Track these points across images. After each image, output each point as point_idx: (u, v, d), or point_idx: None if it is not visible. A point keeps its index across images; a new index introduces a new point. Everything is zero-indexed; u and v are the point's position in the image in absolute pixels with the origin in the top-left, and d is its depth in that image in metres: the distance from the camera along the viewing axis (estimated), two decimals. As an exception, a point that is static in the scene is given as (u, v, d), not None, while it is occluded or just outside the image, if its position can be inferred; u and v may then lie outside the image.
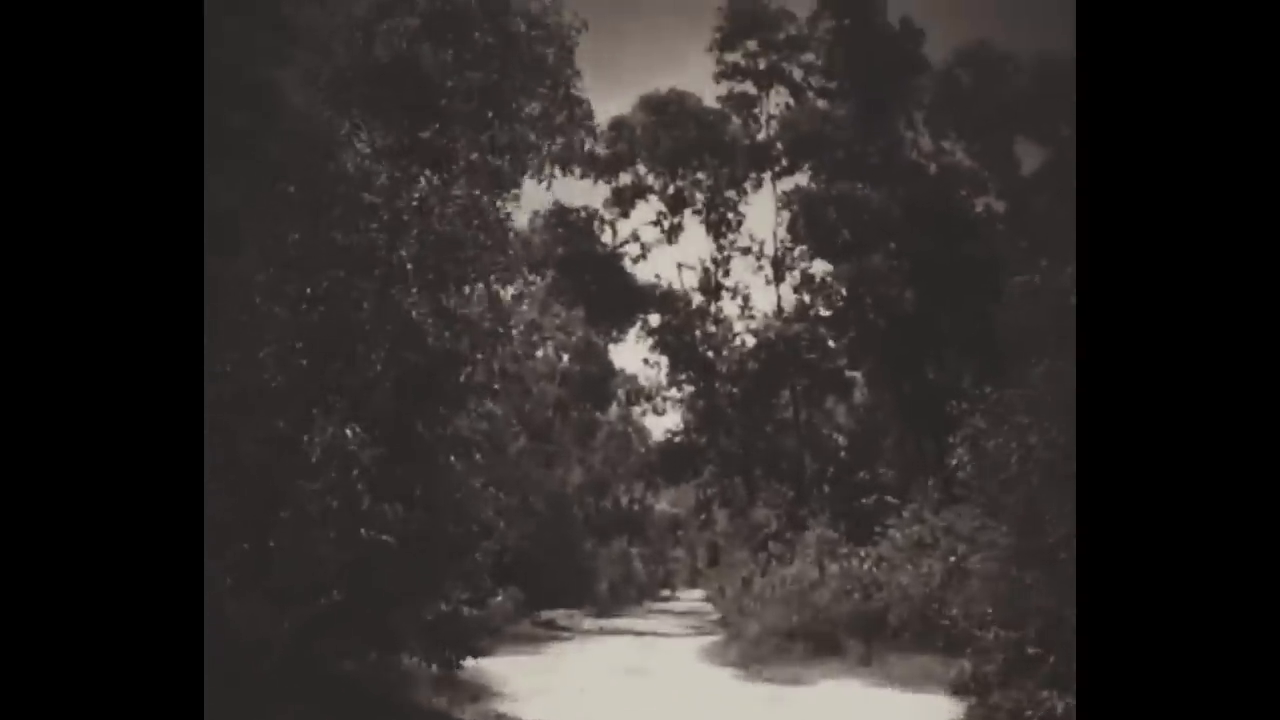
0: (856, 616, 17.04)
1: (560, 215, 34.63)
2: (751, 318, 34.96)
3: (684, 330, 35.52)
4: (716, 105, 35.20)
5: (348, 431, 9.16)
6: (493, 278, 11.44)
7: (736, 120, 35.33)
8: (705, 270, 35.79)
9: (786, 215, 33.81)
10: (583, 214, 35.50)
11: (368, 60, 10.23)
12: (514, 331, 13.02)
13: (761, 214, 78.04)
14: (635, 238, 36.03)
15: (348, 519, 9.20)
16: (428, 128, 10.76)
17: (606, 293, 34.04)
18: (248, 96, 8.73)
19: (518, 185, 12.52)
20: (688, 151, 34.70)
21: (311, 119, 9.43)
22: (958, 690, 11.86)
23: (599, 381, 33.71)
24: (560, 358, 31.56)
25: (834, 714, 12.25)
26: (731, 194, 35.63)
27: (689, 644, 21.19)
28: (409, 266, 10.10)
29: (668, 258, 67.50)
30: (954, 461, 13.78)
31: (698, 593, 40.55)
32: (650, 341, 35.55)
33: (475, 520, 11.14)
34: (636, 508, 38.72)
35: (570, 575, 27.88)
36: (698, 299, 35.92)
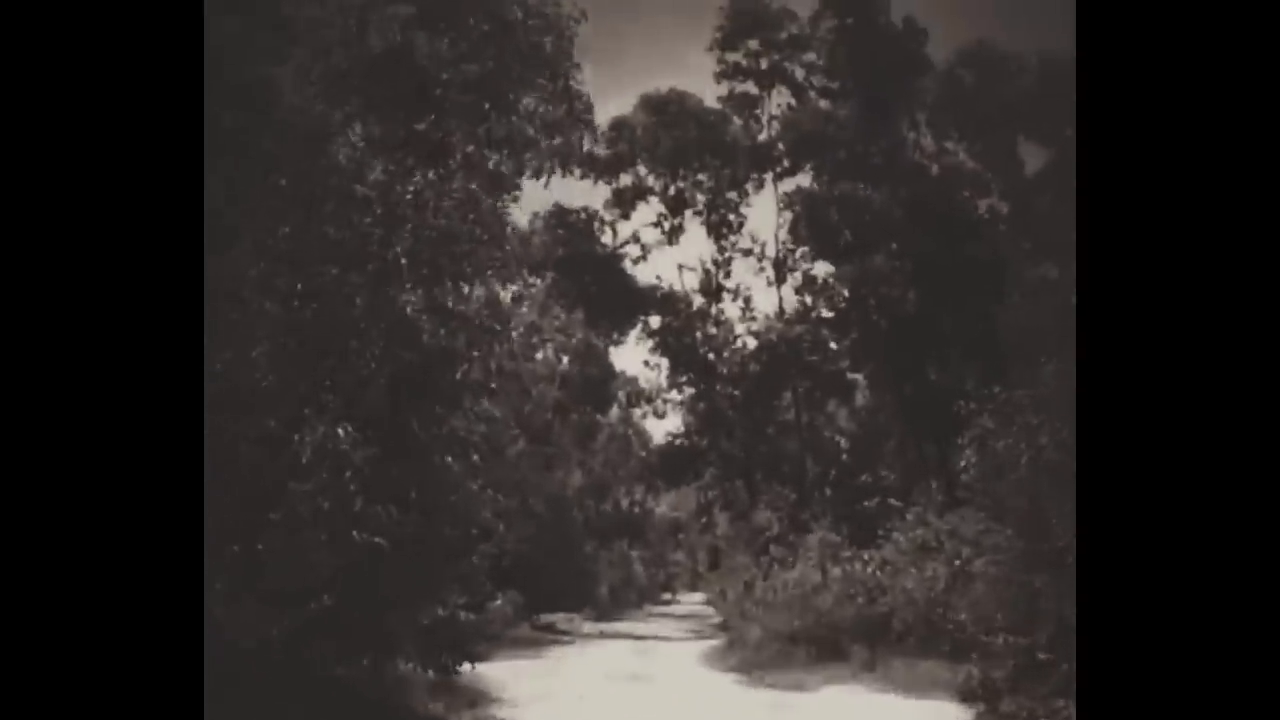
0: (860, 621, 16.86)
1: (560, 216, 34.50)
2: (753, 319, 34.87)
3: (685, 332, 35.37)
4: (717, 105, 35.15)
5: (340, 431, 8.98)
6: (489, 273, 11.26)
7: (738, 120, 35.24)
8: (706, 272, 35.69)
9: (788, 216, 33.76)
10: (583, 215, 35.37)
11: (361, 50, 10.07)
12: (513, 333, 12.88)
13: (763, 215, 77.78)
14: (636, 239, 35.93)
15: (340, 521, 9.03)
16: (423, 120, 10.58)
17: (607, 294, 33.88)
18: (243, 94, 8.63)
19: (518, 186, 12.37)
20: (688, 152, 34.56)
21: (305, 111, 9.28)
22: (965, 696, 11.74)
23: (599, 384, 33.55)
24: (560, 360, 31.40)
25: (838, 721, 12.06)
26: (733, 195, 35.52)
27: (690, 648, 21.06)
28: (403, 262, 9.91)
29: (668, 259, 67.20)
30: (962, 463, 13.65)
31: (699, 596, 40.31)
32: (651, 343, 35.46)
33: (473, 523, 11.01)
34: (637, 510, 38.54)
35: (570, 578, 27.77)
36: (699, 301, 35.85)
